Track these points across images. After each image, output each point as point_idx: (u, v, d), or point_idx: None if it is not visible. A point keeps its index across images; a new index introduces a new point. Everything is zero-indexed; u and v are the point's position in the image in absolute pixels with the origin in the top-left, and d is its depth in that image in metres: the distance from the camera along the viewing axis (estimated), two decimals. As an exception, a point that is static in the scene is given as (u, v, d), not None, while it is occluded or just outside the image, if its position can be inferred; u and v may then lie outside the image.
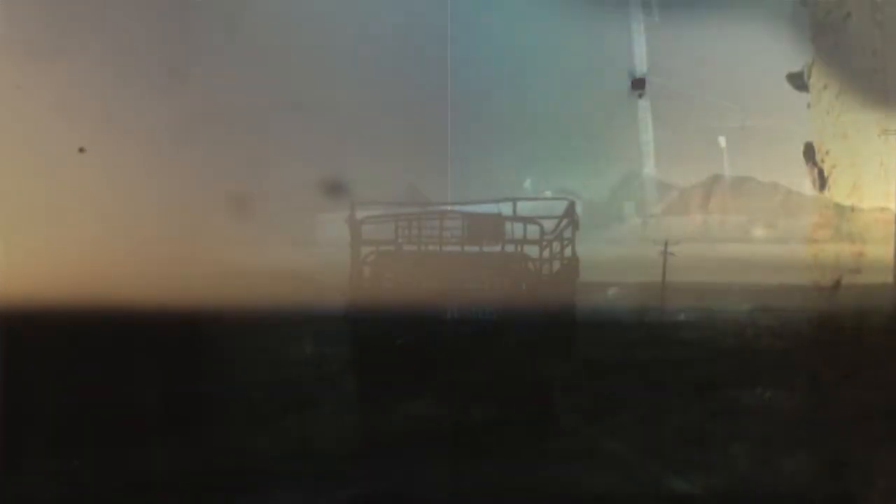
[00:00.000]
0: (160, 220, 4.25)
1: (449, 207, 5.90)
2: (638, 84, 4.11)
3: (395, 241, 5.78)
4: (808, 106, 4.26)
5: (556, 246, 5.85)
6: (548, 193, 6.37)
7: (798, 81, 4.19)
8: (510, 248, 5.90)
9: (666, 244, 6.19)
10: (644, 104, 4.34)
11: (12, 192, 3.93)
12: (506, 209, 5.84)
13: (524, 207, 5.89)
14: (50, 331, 3.72)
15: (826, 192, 4.29)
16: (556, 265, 5.86)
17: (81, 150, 3.58)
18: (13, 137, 3.93)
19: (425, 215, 5.87)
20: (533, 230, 5.85)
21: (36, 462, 3.81)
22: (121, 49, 4.10)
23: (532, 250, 5.87)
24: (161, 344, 4.05)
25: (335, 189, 5.52)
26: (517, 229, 5.86)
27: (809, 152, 4.19)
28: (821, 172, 4.20)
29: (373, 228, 5.75)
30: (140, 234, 4.09)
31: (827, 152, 4.16)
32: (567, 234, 5.77)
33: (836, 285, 4.31)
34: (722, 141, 5.08)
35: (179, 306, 3.93)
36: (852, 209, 4.26)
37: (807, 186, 4.47)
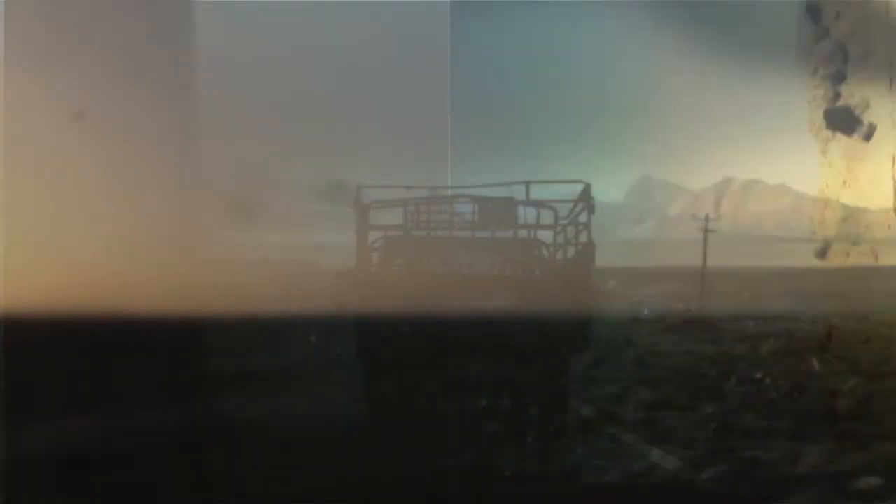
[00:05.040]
0: (164, 225, 4.21)
1: (459, 191, 5.72)
2: None
3: (403, 226, 5.58)
4: None
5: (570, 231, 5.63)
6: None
7: None
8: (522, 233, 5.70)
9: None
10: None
11: (13, 197, 3.91)
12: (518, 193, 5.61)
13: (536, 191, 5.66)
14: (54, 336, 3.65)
15: None
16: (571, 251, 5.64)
17: (77, 115, 3.56)
18: (14, 142, 3.91)
19: (434, 200, 5.67)
20: (547, 215, 5.63)
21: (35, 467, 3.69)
22: (123, 56, 4.07)
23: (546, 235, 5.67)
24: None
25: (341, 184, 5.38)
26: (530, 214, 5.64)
27: None
28: None
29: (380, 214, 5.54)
30: (146, 239, 4.05)
31: None
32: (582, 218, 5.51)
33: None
34: None
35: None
36: None
37: None
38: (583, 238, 5.46)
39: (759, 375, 7.75)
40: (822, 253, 4.19)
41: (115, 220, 4.10)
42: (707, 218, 23.20)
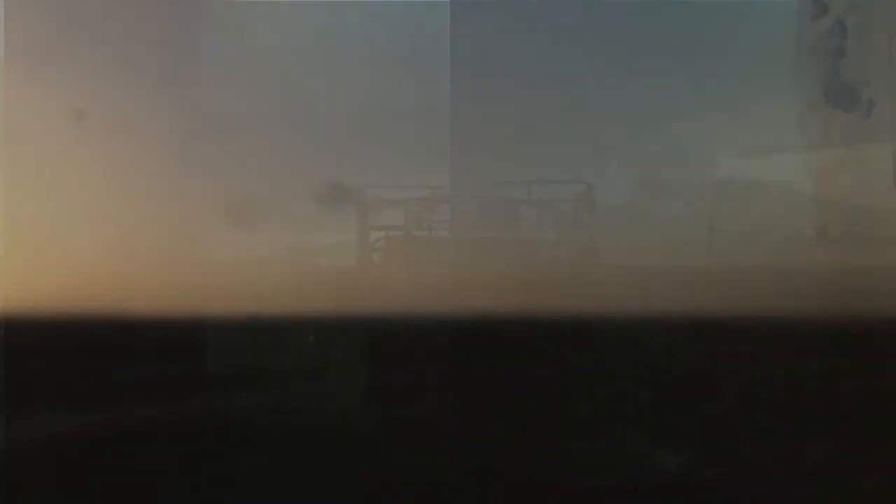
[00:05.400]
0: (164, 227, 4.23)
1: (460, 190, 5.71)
2: None
3: (404, 226, 5.58)
4: None
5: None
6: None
7: None
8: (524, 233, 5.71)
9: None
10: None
11: (13, 197, 3.92)
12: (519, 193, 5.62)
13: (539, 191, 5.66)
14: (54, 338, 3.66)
15: None
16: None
17: (78, 115, 3.56)
18: (14, 142, 3.92)
19: (435, 199, 5.67)
20: (549, 214, 5.63)
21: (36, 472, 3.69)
22: (126, 55, 4.07)
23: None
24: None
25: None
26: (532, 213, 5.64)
27: None
28: None
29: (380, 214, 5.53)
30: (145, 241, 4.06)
31: None
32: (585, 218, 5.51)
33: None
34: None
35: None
36: None
37: None
38: (585, 238, 5.46)
39: (759, 375, 7.74)
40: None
41: (116, 220, 4.10)
42: (711, 216, 23.09)
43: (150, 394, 3.71)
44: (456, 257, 5.66)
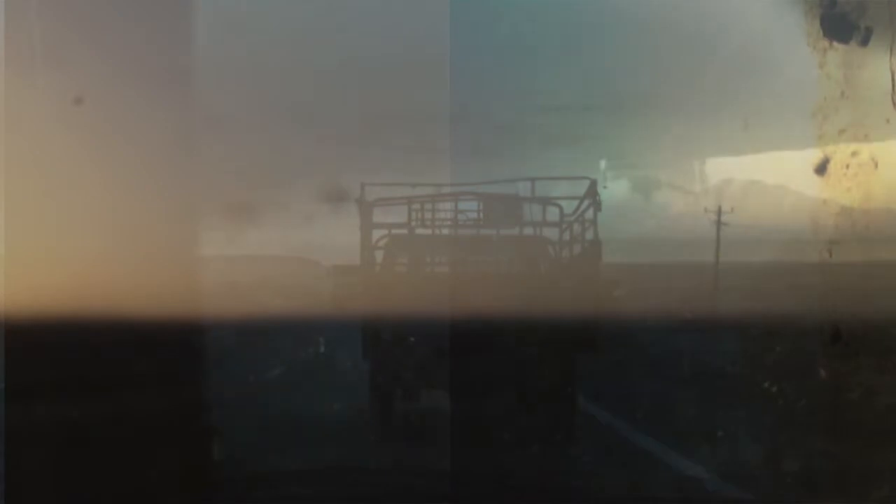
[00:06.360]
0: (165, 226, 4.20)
1: (463, 188, 5.65)
2: None
3: (407, 224, 5.51)
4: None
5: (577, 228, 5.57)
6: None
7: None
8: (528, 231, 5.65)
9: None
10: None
11: (13, 196, 3.88)
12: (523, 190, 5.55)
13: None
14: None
15: None
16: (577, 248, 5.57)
17: (78, 116, 3.51)
18: (15, 142, 3.89)
19: (438, 197, 5.60)
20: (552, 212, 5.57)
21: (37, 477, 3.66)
22: (125, 56, 4.03)
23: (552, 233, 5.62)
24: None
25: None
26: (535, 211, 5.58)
27: None
28: None
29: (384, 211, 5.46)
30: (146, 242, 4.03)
31: None
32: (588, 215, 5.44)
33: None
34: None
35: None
36: None
37: None
38: (589, 235, 5.39)
39: (766, 380, 7.67)
40: (821, 168, 4.08)
41: (116, 220, 4.08)
42: (720, 211, 22.74)
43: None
44: None
